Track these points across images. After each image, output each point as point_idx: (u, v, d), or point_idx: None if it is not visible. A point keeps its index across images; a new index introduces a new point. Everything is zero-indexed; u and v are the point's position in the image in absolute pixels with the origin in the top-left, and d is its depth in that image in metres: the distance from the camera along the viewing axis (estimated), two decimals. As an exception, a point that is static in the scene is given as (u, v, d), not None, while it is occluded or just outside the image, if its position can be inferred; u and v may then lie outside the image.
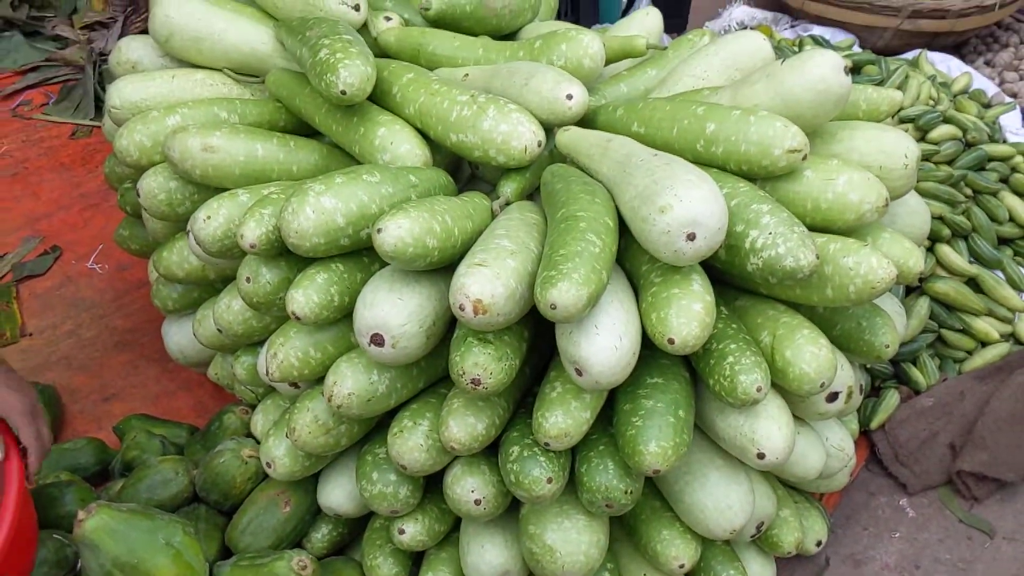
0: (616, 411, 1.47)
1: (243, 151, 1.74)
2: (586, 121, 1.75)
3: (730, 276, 1.57)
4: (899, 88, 2.55)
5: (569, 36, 1.83)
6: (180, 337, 2.17)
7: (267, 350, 1.64)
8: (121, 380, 2.41)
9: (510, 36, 2.17)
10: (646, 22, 2.17)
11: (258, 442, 1.90)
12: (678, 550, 1.57)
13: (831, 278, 1.44)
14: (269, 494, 1.81)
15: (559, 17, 2.90)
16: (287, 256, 1.61)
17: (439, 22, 2.05)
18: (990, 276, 2.32)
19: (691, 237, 1.31)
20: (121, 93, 1.95)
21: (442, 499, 1.65)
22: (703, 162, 1.54)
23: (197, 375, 2.34)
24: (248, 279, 1.63)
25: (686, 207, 1.30)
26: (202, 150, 1.71)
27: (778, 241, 1.37)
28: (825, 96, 1.54)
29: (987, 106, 2.69)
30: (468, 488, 1.55)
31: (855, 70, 2.70)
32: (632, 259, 1.52)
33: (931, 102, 2.56)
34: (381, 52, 2.00)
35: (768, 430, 1.46)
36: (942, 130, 2.41)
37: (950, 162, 2.40)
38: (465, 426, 1.48)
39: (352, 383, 1.54)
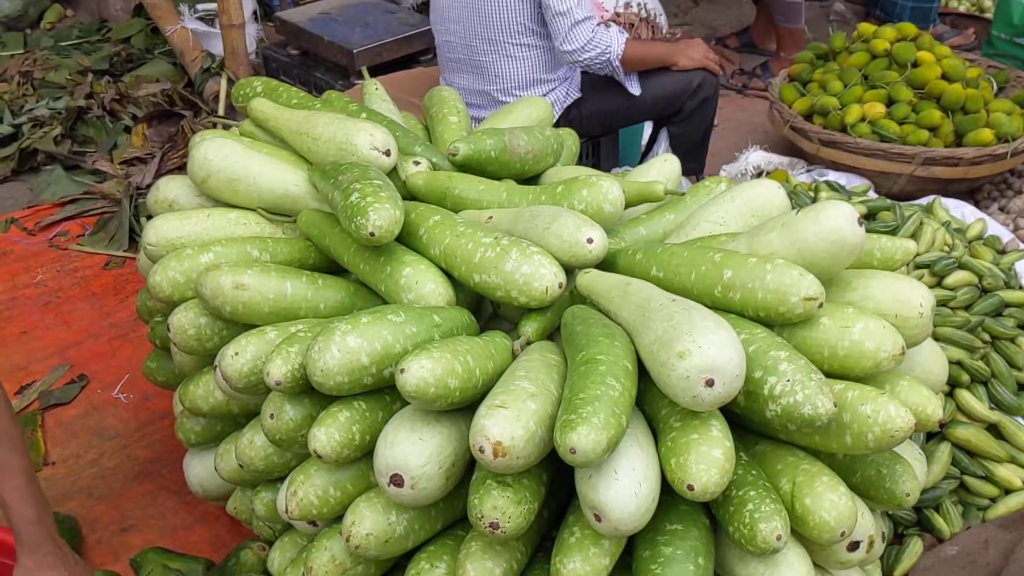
0: (635, 558, 1.46)
1: (273, 289, 1.78)
2: (606, 263, 1.79)
3: (749, 422, 1.58)
4: (914, 234, 2.59)
5: (590, 182, 1.90)
6: (201, 470, 2.17)
7: (287, 487, 1.65)
8: (140, 511, 2.41)
9: (533, 180, 2.25)
10: (664, 168, 2.23)
11: (274, 580, 1.88)
12: None
13: (850, 426, 1.44)
14: (283, 634, 1.78)
15: (580, 160, 3.00)
16: (311, 393, 1.64)
17: (465, 166, 2.13)
18: (1011, 422, 2.30)
19: (710, 383, 1.33)
20: (158, 231, 2.01)
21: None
22: (721, 308, 1.57)
23: (215, 508, 2.33)
24: (272, 415, 1.65)
25: (705, 353, 1.33)
26: (233, 288, 1.75)
27: (796, 388, 1.38)
28: (840, 246, 1.58)
29: (1002, 252, 2.72)
30: (485, 633, 1.52)
31: (870, 216, 2.74)
32: (651, 402, 1.53)
33: (946, 248, 2.59)
34: (409, 194, 2.07)
35: (789, 580, 1.44)
36: (958, 276, 2.43)
37: (967, 308, 2.41)
38: (483, 570, 1.47)
39: (371, 524, 1.54)
